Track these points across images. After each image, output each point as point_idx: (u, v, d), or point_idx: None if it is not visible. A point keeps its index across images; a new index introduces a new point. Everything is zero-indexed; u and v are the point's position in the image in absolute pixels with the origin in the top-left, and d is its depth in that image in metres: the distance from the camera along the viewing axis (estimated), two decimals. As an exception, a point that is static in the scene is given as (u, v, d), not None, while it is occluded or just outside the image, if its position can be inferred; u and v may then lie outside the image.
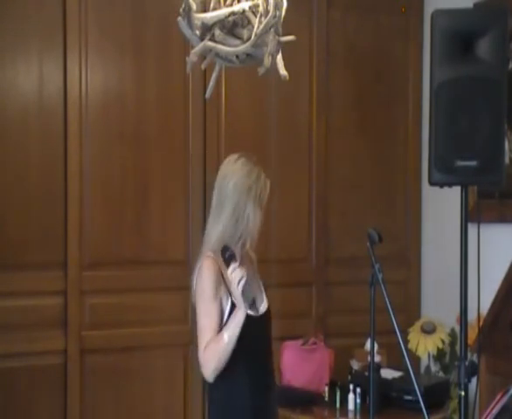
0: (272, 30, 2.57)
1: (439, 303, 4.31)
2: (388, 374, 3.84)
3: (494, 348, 3.39)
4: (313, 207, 4.32)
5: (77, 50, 3.77)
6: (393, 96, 4.52)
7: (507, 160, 3.65)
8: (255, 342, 2.59)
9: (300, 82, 4.23)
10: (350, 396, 3.75)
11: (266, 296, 2.76)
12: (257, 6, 2.62)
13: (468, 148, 2.67)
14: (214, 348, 2.53)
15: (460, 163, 2.67)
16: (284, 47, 2.68)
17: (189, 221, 4.01)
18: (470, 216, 2.80)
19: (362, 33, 4.42)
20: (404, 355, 2.43)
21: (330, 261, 4.37)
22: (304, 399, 3.79)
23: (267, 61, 2.58)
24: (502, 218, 3.83)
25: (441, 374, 4.06)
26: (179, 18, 2.61)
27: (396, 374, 3.85)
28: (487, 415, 2.70)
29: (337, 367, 3.99)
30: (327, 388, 3.86)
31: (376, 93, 4.47)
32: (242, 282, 2.45)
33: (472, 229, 2.75)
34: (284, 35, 2.66)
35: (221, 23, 2.63)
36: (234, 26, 2.65)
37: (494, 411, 2.69)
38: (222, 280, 2.57)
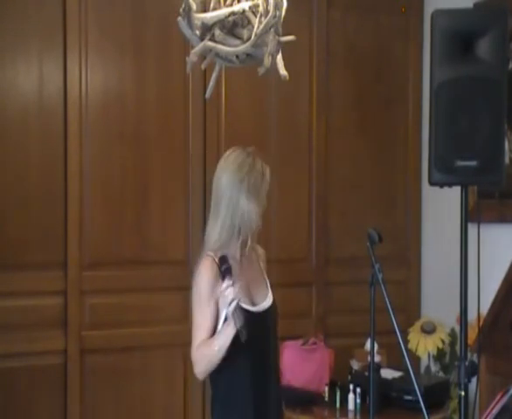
0: (272, 30, 2.57)
1: (439, 303, 4.31)
2: (388, 374, 3.84)
3: (494, 348, 3.39)
4: (313, 207, 4.32)
5: (77, 50, 3.77)
6: (393, 96, 4.52)
7: (507, 160, 3.65)
8: (256, 336, 2.57)
9: (300, 82, 4.23)
10: (350, 396, 3.75)
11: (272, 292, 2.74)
12: (257, 6, 2.62)
13: (468, 148, 2.67)
14: (205, 353, 2.53)
15: (460, 163, 2.67)
16: (284, 47, 2.68)
17: (189, 221, 4.01)
18: (470, 216, 2.80)
19: (362, 33, 4.42)
20: (404, 355, 2.43)
21: (330, 261, 4.37)
22: (304, 399, 3.79)
23: (267, 61, 2.58)
24: (502, 218, 3.83)
25: (441, 374, 4.06)
26: (179, 18, 2.61)
27: (396, 374, 3.85)
28: (487, 415, 2.71)
29: (337, 367, 3.99)
30: (327, 388, 3.86)
31: (376, 93, 4.47)
32: (233, 304, 2.43)
33: (472, 229, 2.75)
34: (284, 35, 2.66)
35: (221, 23, 2.63)
36: (234, 26, 2.65)
37: (494, 411, 2.69)
38: (220, 280, 2.56)
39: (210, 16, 2.64)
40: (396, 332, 2.43)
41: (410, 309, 4.51)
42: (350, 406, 3.75)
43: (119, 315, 3.87)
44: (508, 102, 2.71)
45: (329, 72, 4.34)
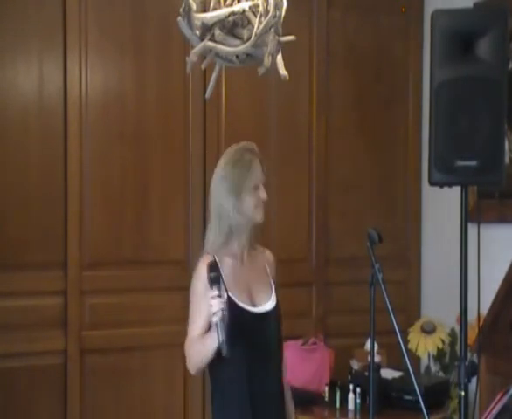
0: (272, 30, 2.57)
1: (439, 303, 4.31)
2: (388, 374, 3.84)
3: (494, 348, 3.39)
4: (313, 207, 4.32)
5: (77, 50, 3.77)
6: (393, 96, 4.52)
7: (507, 160, 3.65)
8: (255, 337, 2.58)
9: (300, 82, 4.23)
10: (350, 396, 3.75)
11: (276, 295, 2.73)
12: (257, 6, 2.62)
13: (468, 148, 2.66)
14: (197, 350, 2.53)
15: (460, 163, 2.66)
16: (284, 47, 2.68)
17: (189, 221, 4.01)
18: (470, 216, 2.79)
19: (362, 33, 4.42)
20: (404, 355, 2.43)
21: (330, 261, 4.37)
22: (304, 399, 3.78)
23: (267, 61, 2.58)
24: (502, 218, 3.83)
25: (441, 374, 4.06)
26: (179, 18, 2.61)
27: (396, 374, 3.85)
28: (487, 415, 2.70)
29: (337, 367, 3.99)
30: (327, 388, 3.86)
31: (376, 93, 4.47)
32: (217, 316, 2.40)
33: (472, 229, 2.75)
34: (284, 35, 2.66)
35: (221, 23, 2.63)
36: (234, 26, 2.65)
37: (494, 411, 2.69)
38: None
39: (210, 16, 2.64)
40: (396, 332, 2.43)
41: (410, 309, 4.51)
42: (350, 406, 3.75)
43: (119, 315, 3.87)
44: (508, 102, 2.71)
45: (329, 72, 4.34)
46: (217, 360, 2.50)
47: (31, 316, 3.70)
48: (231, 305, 2.53)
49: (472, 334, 3.24)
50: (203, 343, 2.49)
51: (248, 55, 2.66)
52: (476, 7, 3.90)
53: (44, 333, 3.72)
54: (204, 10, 2.70)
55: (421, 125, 4.50)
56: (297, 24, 3.93)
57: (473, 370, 2.73)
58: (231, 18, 2.63)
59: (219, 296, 2.43)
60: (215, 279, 2.45)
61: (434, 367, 4.07)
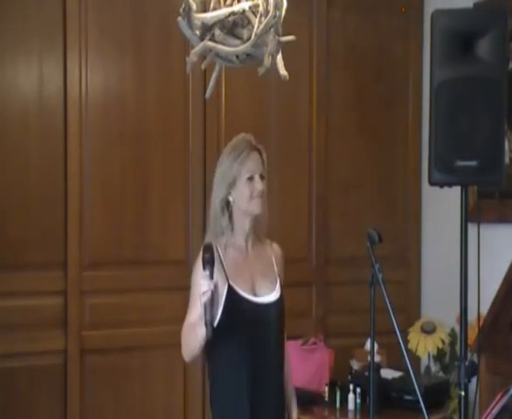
0: (272, 30, 2.57)
1: (439, 303, 4.31)
2: (388, 374, 3.84)
3: (494, 348, 3.39)
4: (313, 207, 4.32)
5: (77, 50, 3.77)
6: (393, 96, 4.53)
7: (507, 160, 3.65)
8: (255, 326, 2.58)
9: (300, 82, 4.23)
10: (350, 396, 3.75)
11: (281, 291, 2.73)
12: (257, 6, 2.62)
13: (468, 148, 2.66)
14: (189, 337, 2.51)
15: (460, 163, 2.66)
16: (284, 47, 2.68)
17: (189, 221, 4.01)
18: (470, 216, 2.79)
19: (362, 33, 4.42)
20: (404, 355, 2.43)
21: (330, 261, 4.37)
22: (304, 399, 3.77)
23: (267, 61, 2.58)
24: (502, 218, 3.83)
25: (441, 374, 4.06)
26: (179, 18, 2.61)
27: (396, 374, 3.85)
28: (487, 415, 2.70)
29: (337, 367, 3.99)
30: (327, 388, 3.86)
31: (376, 93, 4.47)
32: (206, 296, 2.39)
33: (472, 229, 2.75)
34: (284, 35, 2.66)
35: (221, 23, 2.63)
36: (234, 26, 2.65)
37: (494, 411, 2.69)
38: (219, 266, 2.55)
39: (210, 16, 2.63)
40: (396, 332, 2.43)
41: (410, 309, 4.51)
42: (350, 406, 3.75)
43: (119, 315, 3.87)
44: (508, 102, 2.71)
45: (329, 72, 4.34)
46: (216, 346, 2.51)
47: (31, 316, 3.70)
48: (231, 294, 2.54)
49: (472, 334, 3.24)
50: (194, 330, 2.47)
51: (248, 55, 2.66)
52: (476, 7, 3.90)
53: (45, 333, 3.72)
54: (204, 10, 2.70)
55: (421, 125, 4.50)
56: (297, 24, 3.93)
57: (473, 370, 2.73)
58: (231, 18, 2.63)
59: (211, 277, 2.42)
60: (208, 260, 2.43)
61: (434, 367, 4.07)
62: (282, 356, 2.72)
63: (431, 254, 4.54)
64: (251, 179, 2.63)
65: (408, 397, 3.63)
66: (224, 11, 2.64)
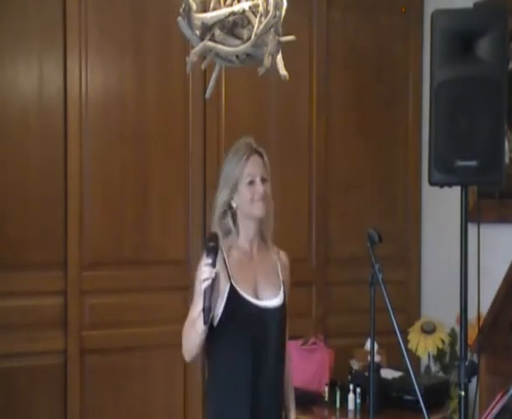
0: (272, 30, 2.57)
1: (439, 303, 4.31)
2: (388, 374, 3.84)
3: (494, 348, 3.39)
4: (313, 207, 4.33)
5: (77, 50, 3.77)
6: (393, 96, 4.53)
7: (507, 160, 3.65)
8: (255, 329, 2.57)
9: (300, 82, 4.23)
10: (350, 396, 3.75)
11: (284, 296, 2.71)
12: (257, 6, 2.62)
13: (468, 148, 2.66)
14: (189, 332, 2.50)
15: (460, 163, 2.66)
16: (284, 47, 2.68)
17: (189, 221, 4.01)
18: (470, 216, 2.80)
19: (362, 33, 4.42)
20: (404, 355, 2.43)
21: (330, 261, 4.37)
22: (304, 399, 3.78)
23: (267, 61, 2.58)
24: (502, 218, 3.83)
25: (441, 374, 4.06)
26: (179, 18, 2.61)
27: (396, 374, 3.85)
28: (487, 415, 2.70)
29: (337, 367, 3.99)
30: (327, 388, 3.86)
31: (376, 93, 4.47)
32: (206, 283, 2.39)
33: (472, 229, 2.75)
34: (284, 35, 2.65)
35: (221, 23, 2.63)
36: (234, 26, 2.65)
37: (494, 411, 2.69)
38: (223, 265, 2.55)
39: (210, 16, 2.63)
40: (396, 332, 2.43)
41: (410, 309, 4.51)
42: (350, 406, 3.75)
43: (119, 315, 3.87)
44: (508, 102, 2.71)
45: (329, 72, 4.34)
46: (216, 345, 2.52)
47: (31, 316, 3.70)
48: (233, 294, 2.54)
49: (472, 334, 3.24)
50: (194, 325, 2.47)
51: (248, 55, 2.66)
52: (476, 7, 3.90)
53: (44, 333, 3.72)
54: (204, 10, 2.70)
55: (421, 125, 4.50)
56: (297, 24, 3.93)
57: (473, 370, 2.73)
58: (231, 18, 2.63)
59: (213, 266, 2.41)
60: (211, 249, 2.43)
61: (434, 367, 4.07)
62: (282, 359, 2.71)
63: (431, 254, 4.54)
64: (252, 183, 2.63)
65: (408, 397, 3.63)
66: (224, 11, 2.64)
